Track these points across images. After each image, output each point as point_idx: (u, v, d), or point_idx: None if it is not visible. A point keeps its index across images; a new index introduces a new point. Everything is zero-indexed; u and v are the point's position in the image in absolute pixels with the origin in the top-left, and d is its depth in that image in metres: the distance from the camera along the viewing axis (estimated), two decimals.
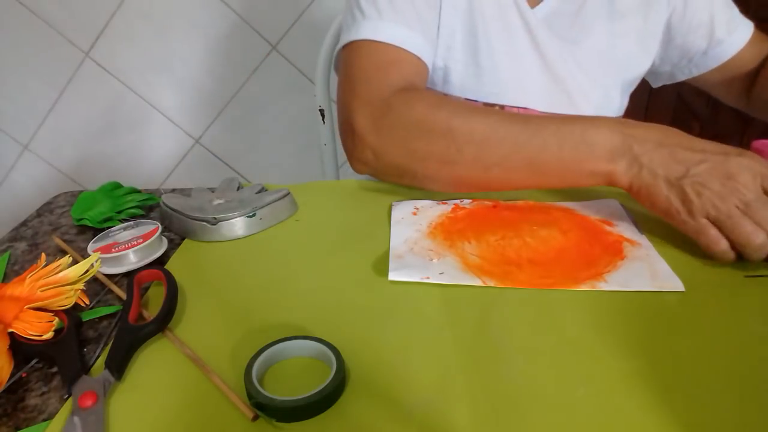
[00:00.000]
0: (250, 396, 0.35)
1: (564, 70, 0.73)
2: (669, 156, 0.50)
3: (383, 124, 0.58)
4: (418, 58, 0.64)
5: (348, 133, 0.62)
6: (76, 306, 0.45)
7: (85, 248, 0.54)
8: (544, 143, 0.53)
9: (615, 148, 0.51)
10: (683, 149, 0.50)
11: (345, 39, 0.66)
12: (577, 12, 0.73)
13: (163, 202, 0.59)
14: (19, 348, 0.40)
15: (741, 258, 0.48)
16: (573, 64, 0.74)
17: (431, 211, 0.59)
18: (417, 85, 0.64)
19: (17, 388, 0.39)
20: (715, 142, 0.51)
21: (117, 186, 0.67)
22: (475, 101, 0.73)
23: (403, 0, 0.65)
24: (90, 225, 0.60)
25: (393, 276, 0.48)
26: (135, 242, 0.52)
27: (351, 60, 0.65)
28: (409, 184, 0.62)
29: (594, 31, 0.74)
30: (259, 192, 0.61)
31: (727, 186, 0.47)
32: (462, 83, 0.73)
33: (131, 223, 0.57)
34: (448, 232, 0.55)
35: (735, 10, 0.78)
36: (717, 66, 0.79)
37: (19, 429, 0.35)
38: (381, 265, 0.51)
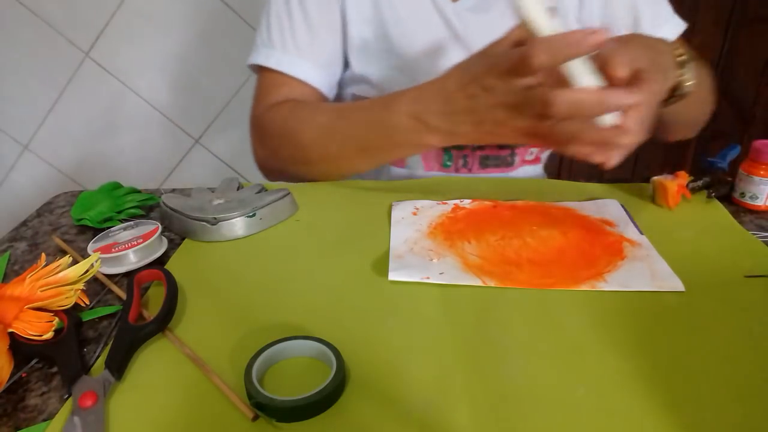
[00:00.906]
0: (250, 396, 0.35)
1: None
2: (461, 115, 0.52)
3: (261, 139, 0.70)
4: (303, 82, 0.71)
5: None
6: (76, 306, 0.45)
7: (85, 248, 0.54)
8: (363, 134, 0.60)
9: (415, 128, 0.55)
10: (458, 97, 0.51)
11: (248, 60, 0.74)
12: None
13: (163, 202, 0.59)
14: (19, 348, 0.40)
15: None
16: None
17: (431, 211, 0.60)
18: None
19: (17, 388, 0.39)
20: (465, 64, 0.52)
21: (117, 186, 0.67)
22: None
23: (291, 27, 0.70)
24: (90, 225, 0.60)
25: (393, 276, 0.48)
26: (135, 242, 0.52)
27: (256, 81, 0.75)
28: (305, 181, 0.68)
29: None
30: (259, 192, 0.61)
31: (511, 105, 0.47)
32: (384, 87, 0.74)
33: (131, 223, 0.57)
34: (448, 232, 0.55)
35: (664, 5, 0.75)
36: None
37: (19, 429, 0.35)
38: (381, 265, 0.51)
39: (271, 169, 0.72)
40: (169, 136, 1.52)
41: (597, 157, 0.45)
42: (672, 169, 0.62)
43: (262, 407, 0.34)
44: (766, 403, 0.35)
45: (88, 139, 1.51)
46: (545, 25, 0.42)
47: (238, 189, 0.63)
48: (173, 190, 0.67)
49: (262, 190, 0.62)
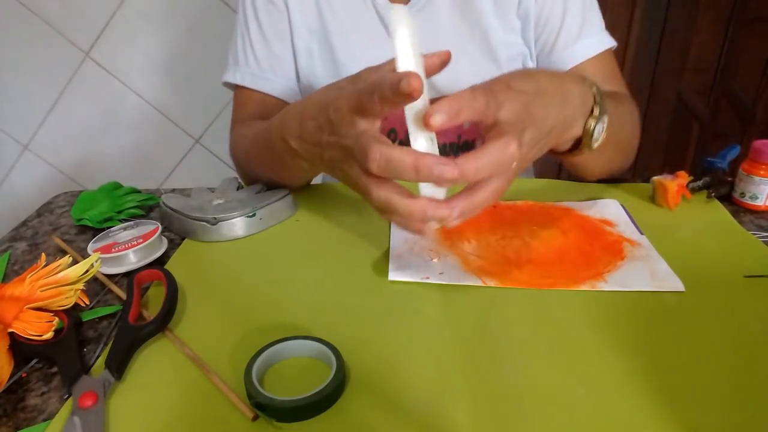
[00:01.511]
0: (250, 396, 0.35)
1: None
2: (310, 145, 0.47)
3: (230, 150, 0.73)
4: (265, 94, 0.74)
5: None
6: (76, 306, 0.45)
7: (85, 248, 0.54)
8: (268, 158, 0.59)
9: (284, 148, 0.52)
10: (309, 126, 0.46)
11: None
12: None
13: (163, 202, 0.59)
14: (19, 348, 0.40)
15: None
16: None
17: None
18: (265, 116, 0.69)
19: (17, 388, 0.39)
20: (320, 107, 0.45)
21: (117, 186, 0.67)
22: None
23: (250, 41, 0.73)
24: (90, 225, 0.60)
25: (393, 276, 0.48)
26: (135, 242, 0.52)
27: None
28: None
29: (482, 17, 0.70)
30: (259, 192, 0.61)
31: (345, 147, 0.42)
32: None
33: (131, 223, 0.57)
34: (448, 232, 0.55)
35: (593, 19, 0.71)
36: None
37: (19, 429, 0.35)
38: (381, 265, 0.51)
39: (240, 178, 0.72)
40: (169, 136, 1.52)
41: (411, 228, 0.41)
42: (672, 169, 0.62)
43: (262, 407, 0.34)
44: (766, 403, 0.35)
45: (88, 139, 1.51)
46: (404, 62, 0.37)
47: (238, 189, 0.63)
48: (173, 190, 0.67)
49: (262, 190, 0.62)
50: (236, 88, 0.76)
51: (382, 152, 0.37)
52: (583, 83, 0.48)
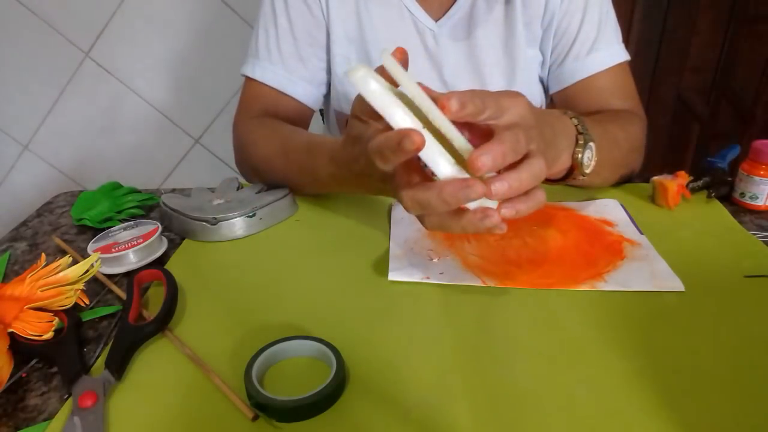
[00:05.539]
0: (250, 396, 0.35)
1: (458, 83, 0.73)
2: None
3: (234, 145, 0.73)
4: (281, 92, 0.73)
5: None
6: (76, 306, 0.45)
7: (85, 248, 0.54)
8: (298, 176, 0.61)
9: (335, 184, 0.57)
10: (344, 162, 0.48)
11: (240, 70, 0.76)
12: (490, 11, 0.71)
13: (163, 202, 0.59)
14: (19, 348, 0.40)
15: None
16: (468, 76, 0.73)
17: None
18: (276, 115, 0.72)
19: (17, 388, 0.39)
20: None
21: (117, 186, 0.67)
22: None
23: (277, 40, 0.72)
24: (90, 225, 0.60)
25: (393, 276, 0.48)
26: (135, 242, 0.52)
27: (242, 88, 0.77)
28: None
29: (518, 41, 0.72)
30: (259, 192, 0.61)
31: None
32: None
33: (131, 223, 0.57)
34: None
35: (608, 32, 0.71)
36: (568, 86, 0.72)
37: (19, 429, 0.35)
38: (381, 265, 0.51)
39: (244, 173, 0.73)
40: (169, 136, 1.52)
41: (470, 231, 0.40)
42: (672, 169, 0.62)
43: (262, 407, 0.34)
44: (766, 403, 0.35)
45: (88, 139, 1.51)
46: (396, 118, 0.35)
47: (238, 189, 0.63)
48: (173, 190, 0.67)
49: (262, 190, 0.62)
50: (250, 80, 0.74)
51: (411, 197, 0.38)
52: (563, 116, 0.50)
